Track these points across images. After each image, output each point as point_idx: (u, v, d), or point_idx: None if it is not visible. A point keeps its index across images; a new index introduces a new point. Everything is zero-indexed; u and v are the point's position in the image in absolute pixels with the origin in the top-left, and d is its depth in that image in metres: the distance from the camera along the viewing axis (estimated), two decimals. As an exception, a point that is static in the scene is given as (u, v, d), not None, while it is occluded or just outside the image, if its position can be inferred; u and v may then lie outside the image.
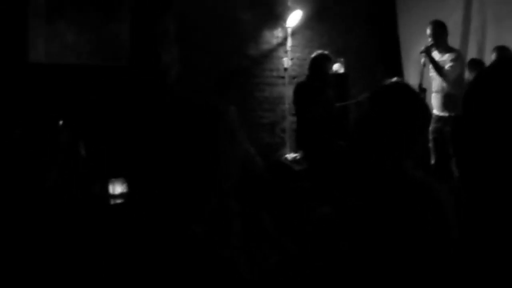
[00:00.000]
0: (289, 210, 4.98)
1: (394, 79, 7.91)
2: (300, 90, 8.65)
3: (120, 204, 6.18)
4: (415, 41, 10.23)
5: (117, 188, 6.37)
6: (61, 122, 6.56)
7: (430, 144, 8.26)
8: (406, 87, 2.97)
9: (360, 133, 2.80)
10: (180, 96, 8.38)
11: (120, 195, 6.31)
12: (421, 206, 2.57)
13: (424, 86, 8.30)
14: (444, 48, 8.43)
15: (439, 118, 8.28)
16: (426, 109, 2.83)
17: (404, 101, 2.76)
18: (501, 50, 8.27)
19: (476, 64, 8.58)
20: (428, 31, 8.41)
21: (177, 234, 3.21)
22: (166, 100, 8.02)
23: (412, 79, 9.74)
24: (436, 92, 8.49)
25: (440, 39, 8.37)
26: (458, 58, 8.42)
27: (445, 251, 2.48)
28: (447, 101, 8.32)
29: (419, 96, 2.94)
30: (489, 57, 8.56)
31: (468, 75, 8.47)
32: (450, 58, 8.32)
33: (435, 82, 8.49)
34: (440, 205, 2.57)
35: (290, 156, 9.82)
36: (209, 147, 4.17)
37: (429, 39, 8.35)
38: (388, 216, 2.56)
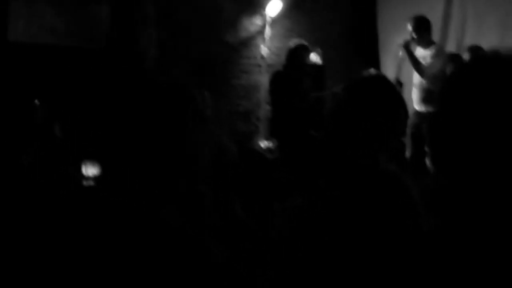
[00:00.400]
0: (260, 198, 5.02)
1: (371, 70, 7.98)
2: (277, 79, 8.68)
3: (92, 186, 6.19)
4: (394, 34, 10.23)
5: (90, 170, 6.38)
6: (37, 101, 6.57)
7: (407, 139, 8.32)
8: (383, 79, 2.98)
9: (335, 125, 2.82)
10: (154, 80, 8.43)
11: (93, 178, 6.32)
12: (391, 198, 2.61)
13: (401, 80, 8.39)
14: (426, 43, 8.46)
15: (418, 113, 8.31)
16: (402, 103, 2.84)
17: (381, 94, 2.75)
18: (475, 50, 8.30)
19: (456, 58, 8.61)
20: (410, 26, 8.43)
21: (148, 216, 3.26)
22: (142, 83, 8.04)
23: (389, 72, 9.78)
24: (416, 86, 8.53)
25: (422, 34, 8.41)
26: (439, 53, 8.45)
27: (416, 239, 2.54)
28: (426, 96, 8.33)
29: (396, 89, 2.95)
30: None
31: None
32: (430, 53, 8.36)
33: (415, 77, 8.53)
34: (409, 196, 2.62)
35: (264, 144, 9.85)
36: (176, 130, 4.21)
37: (412, 34, 8.38)
38: (361, 207, 2.59)
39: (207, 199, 3.40)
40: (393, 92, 2.84)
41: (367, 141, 2.67)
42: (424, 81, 8.37)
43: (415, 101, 8.51)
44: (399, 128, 2.87)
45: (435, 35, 9.21)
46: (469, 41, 9.67)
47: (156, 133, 3.59)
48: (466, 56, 8.24)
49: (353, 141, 2.69)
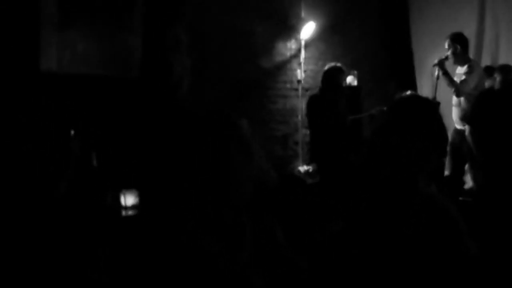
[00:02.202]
0: (301, 224, 5.01)
1: (408, 92, 7.98)
2: (313, 102, 8.66)
3: (132, 216, 6.17)
4: (429, 53, 10.26)
5: (129, 199, 6.36)
6: (72, 132, 6.59)
7: (447, 157, 8.28)
8: (425, 100, 2.98)
9: (377, 146, 2.81)
10: (192, 108, 8.44)
11: (132, 207, 6.29)
12: (434, 223, 2.59)
13: (438, 99, 8.36)
14: (462, 60, 8.46)
15: (457, 131, 8.31)
16: (443, 125, 2.84)
17: (423, 115, 2.75)
18: (505, 70, 8.23)
19: (491, 70, 8.58)
20: (447, 44, 8.46)
21: (189, 249, 3.25)
22: (178, 112, 8.05)
23: (425, 92, 9.78)
24: (455, 105, 8.51)
25: (458, 50, 8.40)
26: (473, 70, 8.38)
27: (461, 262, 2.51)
28: (464, 114, 8.29)
29: (437, 110, 2.94)
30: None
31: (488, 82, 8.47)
32: (464, 71, 8.35)
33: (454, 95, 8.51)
34: (454, 224, 2.59)
35: (303, 169, 9.85)
36: (222, 161, 4.21)
37: (448, 52, 8.40)
38: (403, 232, 2.58)
39: (248, 229, 3.40)
40: (434, 113, 2.83)
41: (409, 164, 2.66)
42: (461, 99, 8.36)
43: (454, 120, 8.49)
44: (440, 150, 2.86)
45: (470, 51, 9.21)
46: (502, 56, 9.70)
47: (200, 164, 3.57)
48: (497, 76, 8.09)
49: (395, 164, 2.67)
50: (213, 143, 4.11)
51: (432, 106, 2.91)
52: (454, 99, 8.50)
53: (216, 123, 4.79)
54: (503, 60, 9.32)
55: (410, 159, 2.66)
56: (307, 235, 4.43)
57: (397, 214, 2.61)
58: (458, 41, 8.44)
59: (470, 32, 10.08)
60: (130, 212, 6.21)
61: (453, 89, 8.33)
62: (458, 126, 8.38)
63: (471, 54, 9.45)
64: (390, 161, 2.69)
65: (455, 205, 2.68)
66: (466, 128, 7.94)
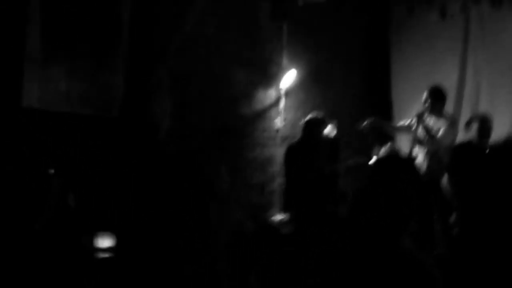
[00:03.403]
0: (276, 274, 5.11)
1: (388, 145, 8.13)
2: (291, 152, 8.82)
3: (107, 258, 6.20)
4: (408, 104, 10.44)
5: (104, 241, 6.39)
6: (52, 170, 6.66)
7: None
8: (408, 163, 3.09)
9: (360, 207, 2.90)
10: (173, 154, 8.52)
11: (108, 249, 6.33)
12: (411, 279, 2.69)
13: (415, 153, 8.54)
14: (439, 114, 8.67)
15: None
16: (423, 187, 2.94)
17: (405, 179, 2.85)
18: (483, 120, 8.45)
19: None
20: (425, 96, 8.65)
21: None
22: (157, 156, 8.12)
23: (403, 144, 9.91)
24: (424, 154, 8.65)
25: (435, 104, 8.62)
26: (453, 125, 8.67)
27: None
28: (434, 168, 8.49)
29: (419, 173, 3.07)
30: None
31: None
32: (444, 125, 8.56)
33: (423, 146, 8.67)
34: (431, 280, 2.70)
35: (278, 217, 9.84)
36: (201, 210, 4.34)
37: (425, 104, 8.59)
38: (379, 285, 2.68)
39: (227, 277, 3.53)
40: (417, 177, 2.94)
41: (391, 223, 2.76)
42: (434, 153, 8.55)
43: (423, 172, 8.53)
44: (419, 210, 2.97)
45: (450, 103, 9.41)
46: (482, 107, 9.87)
47: (180, 212, 3.71)
48: (474, 125, 8.38)
49: (378, 222, 2.77)
50: (194, 194, 4.24)
51: (413, 169, 3.02)
52: (420, 155, 8.66)
53: (198, 175, 4.92)
54: (483, 110, 9.50)
55: (391, 220, 2.76)
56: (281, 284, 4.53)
57: (376, 269, 2.70)
58: (436, 95, 8.66)
59: (451, 83, 10.31)
60: (105, 255, 6.24)
61: (427, 143, 8.54)
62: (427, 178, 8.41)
63: (452, 104, 9.67)
64: (373, 222, 2.79)
65: (432, 260, 2.78)
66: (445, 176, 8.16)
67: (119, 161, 8.07)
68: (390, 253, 2.70)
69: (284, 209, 9.44)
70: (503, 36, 10.33)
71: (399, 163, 3.05)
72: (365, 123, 8.90)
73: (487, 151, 8.07)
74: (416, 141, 8.66)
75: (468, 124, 8.57)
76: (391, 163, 3.08)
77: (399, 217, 2.77)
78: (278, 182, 10.38)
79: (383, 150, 9.12)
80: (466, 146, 8.42)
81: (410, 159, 8.00)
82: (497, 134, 8.86)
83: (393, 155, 8.62)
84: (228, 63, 10.04)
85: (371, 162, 9.24)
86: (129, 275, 3.97)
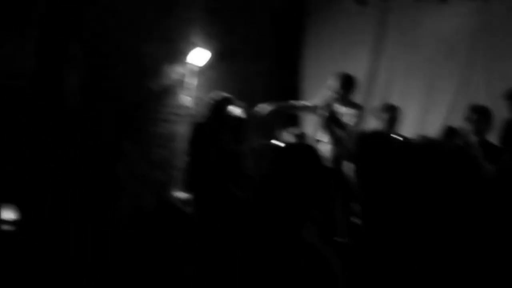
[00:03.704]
0: (175, 254, 5.11)
1: (295, 130, 8.15)
2: (197, 130, 8.79)
3: (10, 231, 6.02)
4: (317, 88, 10.49)
5: (8, 214, 6.20)
6: None
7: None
8: (311, 151, 3.10)
9: (263, 194, 2.89)
10: (83, 128, 8.41)
11: (11, 222, 6.14)
12: (314, 270, 2.70)
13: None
14: (347, 102, 8.72)
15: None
16: (326, 175, 2.97)
17: (308, 167, 2.87)
18: (391, 109, 8.65)
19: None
20: (334, 83, 8.65)
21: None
22: (65, 127, 7.99)
23: (310, 129, 9.97)
24: (331, 143, 8.73)
25: (346, 92, 8.67)
26: (362, 115, 8.78)
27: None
28: (340, 156, 8.55)
29: (321, 161, 3.08)
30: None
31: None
32: (353, 114, 8.64)
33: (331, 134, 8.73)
34: (333, 274, 2.72)
35: (181, 195, 9.82)
36: (106, 183, 4.27)
37: (335, 91, 8.62)
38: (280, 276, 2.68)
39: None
40: (318, 166, 2.96)
41: (294, 212, 2.76)
42: (343, 140, 8.61)
43: (326, 158, 8.59)
44: (320, 199, 2.98)
45: (360, 92, 9.55)
46: (394, 99, 10.02)
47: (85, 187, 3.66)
48: (385, 115, 8.63)
49: (281, 211, 2.76)
50: (100, 169, 4.18)
51: (318, 158, 3.03)
52: (324, 140, 8.73)
53: (105, 150, 4.84)
54: (396, 101, 9.64)
55: (294, 209, 2.77)
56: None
57: (276, 258, 2.70)
58: (346, 82, 8.70)
59: (363, 72, 10.52)
60: (7, 227, 6.05)
61: (339, 128, 8.60)
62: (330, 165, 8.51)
63: (362, 94, 9.79)
64: (275, 207, 2.79)
65: (332, 250, 2.81)
66: (351, 166, 8.25)
67: (25, 131, 7.89)
68: (291, 242, 2.72)
69: (187, 188, 9.47)
70: (420, 28, 10.60)
71: (302, 151, 3.06)
72: (260, 109, 8.96)
73: (397, 141, 8.19)
74: (323, 126, 8.72)
75: (378, 113, 8.75)
76: (294, 151, 3.08)
77: (300, 206, 2.78)
78: (182, 160, 10.26)
79: (287, 134, 9.16)
80: (374, 135, 8.52)
81: (313, 146, 8.04)
82: (407, 126, 9.04)
83: (297, 142, 8.67)
84: (139, 37, 9.97)
85: (275, 145, 9.29)
86: (32, 249, 3.89)
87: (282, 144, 9.16)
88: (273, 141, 9.57)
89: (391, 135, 8.27)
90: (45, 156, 7.56)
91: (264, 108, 8.92)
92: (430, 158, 2.49)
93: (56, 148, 7.71)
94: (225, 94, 9.01)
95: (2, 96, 8.04)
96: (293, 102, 9.60)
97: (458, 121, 9.67)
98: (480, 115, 7.97)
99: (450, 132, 8.43)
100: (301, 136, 8.91)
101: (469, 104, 8.64)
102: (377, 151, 8.16)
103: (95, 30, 9.00)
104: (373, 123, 8.88)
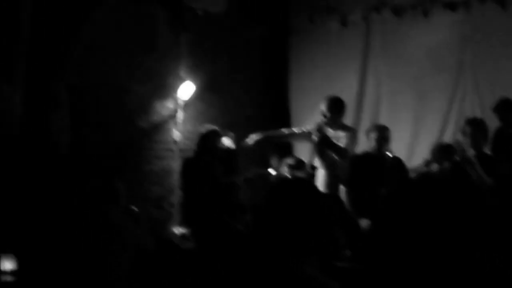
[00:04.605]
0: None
1: (290, 160, 8.20)
2: (188, 165, 8.92)
3: (9, 282, 6.03)
4: (307, 114, 10.61)
5: (6, 264, 6.20)
6: None
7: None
8: (308, 184, 3.17)
9: (263, 224, 2.95)
10: (73, 172, 8.47)
11: (10, 272, 6.14)
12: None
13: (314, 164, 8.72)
14: (338, 125, 8.78)
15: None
16: (328, 205, 3.01)
17: (305, 199, 2.92)
18: (381, 130, 8.70)
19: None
20: (324, 107, 8.67)
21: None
22: (57, 172, 8.05)
23: (302, 155, 10.05)
24: (325, 169, 8.82)
25: (335, 116, 8.68)
26: (354, 137, 8.86)
27: None
28: (335, 179, 8.72)
29: (320, 192, 3.13)
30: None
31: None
32: (345, 136, 8.70)
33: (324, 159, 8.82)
34: None
35: (178, 231, 9.86)
36: (103, 228, 4.40)
37: (324, 115, 8.64)
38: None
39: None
40: (318, 195, 3.02)
41: (293, 244, 2.82)
42: (337, 164, 8.71)
43: (323, 184, 8.71)
44: (328, 231, 3.04)
45: (349, 114, 9.63)
46: (383, 119, 10.14)
47: (83, 232, 3.76)
48: (374, 135, 8.60)
49: (280, 242, 2.83)
50: (97, 212, 4.30)
51: (313, 189, 3.10)
52: (319, 163, 8.85)
53: (101, 192, 4.97)
54: (383, 123, 9.64)
55: (293, 241, 2.83)
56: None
57: None
58: (335, 106, 8.72)
59: (351, 92, 10.59)
60: (8, 278, 6.05)
61: (337, 153, 8.64)
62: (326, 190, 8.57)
63: (351, 115, 9.90)
64: (275, 242, 2.85)
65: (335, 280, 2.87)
66: (343, 189, 8.37)
67: (19, 180, 7.91)
68: (292, 275, 2.75)
69: (183, 223, 9.53)
70: (404, 44, 10.72)
71: (298, 186, 3.11)
72: (249, 139, 9.08)
73: (387, 160, 8.27)
74: (316, 151, 8.80)
75: (367, 133, 8.80)
76: (289, 186, 3.14)
77: (299, 238, 2.84)
78: (177, 195, 10.39)
79: (283, 165, 9.22)
80: (364, 157, 8.64)
81: (308, 179, 8.14)
82: (397, 143, 9.14)
83: (291, 176, 8.75)
84: (125, 75, 10.05)
85: (270, 175, 9.40)
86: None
87: (275, 174, 9.30)
88: (268, 171, 9.67)
89: (382, 154, 8.36)
90: (37, 202, 7.63)
91: (252, 138, 8.98)
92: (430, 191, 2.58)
93: (48, 193, 7.78)
94: (213, 126, 9.12)
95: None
96: (284, 130, 9.64)
97: (451, 135, 9.88)
98: (475, 128, 8.03)
99: (446, 149, 8.48)
100: (297, 166, 8.96)
101: (464, 118, 8.77)
102: (368, 174, 8.28)
103: (80, 69, 9.01)
104: (364, 144, 8.90)
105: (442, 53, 10.48)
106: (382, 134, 8.56)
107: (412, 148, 10.24)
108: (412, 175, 8.69)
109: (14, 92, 8.31)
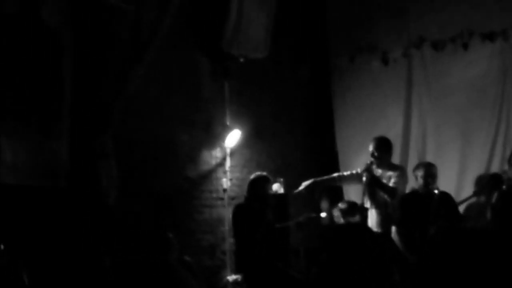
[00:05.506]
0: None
1: (342, 205, 8.32)
2: (239, 212, 9.08)
3: None
4: (354, 155, 10.76)
5: None
6: (1, 247, 6.76)
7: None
8: (362, 228, 3.38)
9: (325, 274, 3.15)
10: (124, 223, 8.68)
11: None
12: None
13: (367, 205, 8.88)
14: (387, 164, 8.99)
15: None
16: (381, 244, 3.20)
17: (361, 244, 3.12)
18: (427, 167, 8.80)
19: None
20: (371, 147, 8.90)
21: None
22: (107, 225, 8.25)
23: (352, 197, 10.18)
24: (376, 208, 9.02)
25: (383, 155, 8.91)
26: (403, 175, 8.99)
27: None
28: (387, 218, 8.87)
29: (373, 233, 3.32)
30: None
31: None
32: (394, 175, 8.86)
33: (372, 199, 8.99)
34: None
35: (231, 278, 10.15)
36: (171, 280, 4.66)
37: (373, 156, 8.87)
38: None
39: None
40: (370, 240, 3.23)
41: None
42: (387, 204, 8.88)
43: (375, 223, 8.93)
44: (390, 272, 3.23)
45: (397, 150, 9.81)
46: (430, 154, 10.24)
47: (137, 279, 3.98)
48: (420, 173, 8.67)
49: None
50: (156, 264, 4.56)
51: (373, 236, 3.30)
52: (370, 204, 9.02)
53: (157, 244, 5.22)
54: (430, 158, 9.93)
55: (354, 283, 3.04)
56: None
57: None
58: (382, 146, 8.95)
59: (396, 130, 10.70)
60: None
61: (387, 193, 8.81)
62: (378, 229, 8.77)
63: (398, 152, 10.03)
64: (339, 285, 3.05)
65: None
66: (392, 229, 8.52)
67: (70, 233, 8.09)
68: None
69: (237, 270, 9.77)
70: (446, 79, 10.70)
71: (354, 231, 3.30)
72: (300, 188, 9.33)
73: (435, 198, 8.33)
74: (366, 192, 8.94)
75: (414, 172, 8.88)
76: (346, 232, 3.32)
77: (362, 282, 3.04)
78: (228, 243, 10.54)
79: (335, 210, 9.35)
80: (412, 196, 8.75)
81: (363, 222, 8.31)
82: (445, 177, 9.26)
83: (348, 221, 8.89)
84: (171, 125, 10.21)
85: (322, 219, 9.56)
86: None
87: (326, 217, 9.45)
88: (320, 215, 9.82)
89: (430, 192, 8.44)
90: (88, 255, 7.82)
91: (304, 184, 9.19)
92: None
93: (98, 246, 7.97)
94: (263, 173, 9.31)
95: (44, 198, 8.20)
96: (334, 175, 9.82)
97: (498, 166, 9.95)
98: None
99: (494, 179, 8.57)
100: (349, 211, 9.11)
101: (509, 148, 8.85)
102: (416, 213, 8.37)
103: (124, 122, 9.16)
104: (414, 182, 8.97)
105: (484, 84, 10.47)
106: (428, 172, 8.61)
107: (460, 181, 10.29)
108: (461, 208, 8.81)
109: (61, 146, 8.51)
